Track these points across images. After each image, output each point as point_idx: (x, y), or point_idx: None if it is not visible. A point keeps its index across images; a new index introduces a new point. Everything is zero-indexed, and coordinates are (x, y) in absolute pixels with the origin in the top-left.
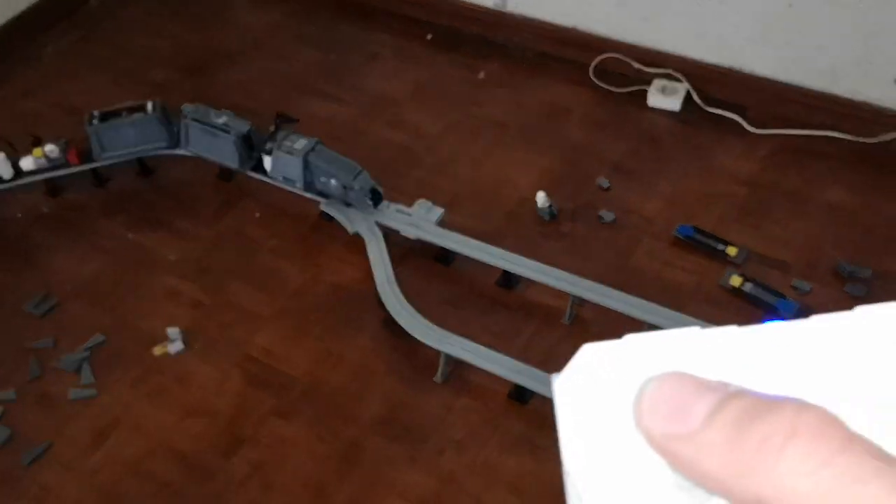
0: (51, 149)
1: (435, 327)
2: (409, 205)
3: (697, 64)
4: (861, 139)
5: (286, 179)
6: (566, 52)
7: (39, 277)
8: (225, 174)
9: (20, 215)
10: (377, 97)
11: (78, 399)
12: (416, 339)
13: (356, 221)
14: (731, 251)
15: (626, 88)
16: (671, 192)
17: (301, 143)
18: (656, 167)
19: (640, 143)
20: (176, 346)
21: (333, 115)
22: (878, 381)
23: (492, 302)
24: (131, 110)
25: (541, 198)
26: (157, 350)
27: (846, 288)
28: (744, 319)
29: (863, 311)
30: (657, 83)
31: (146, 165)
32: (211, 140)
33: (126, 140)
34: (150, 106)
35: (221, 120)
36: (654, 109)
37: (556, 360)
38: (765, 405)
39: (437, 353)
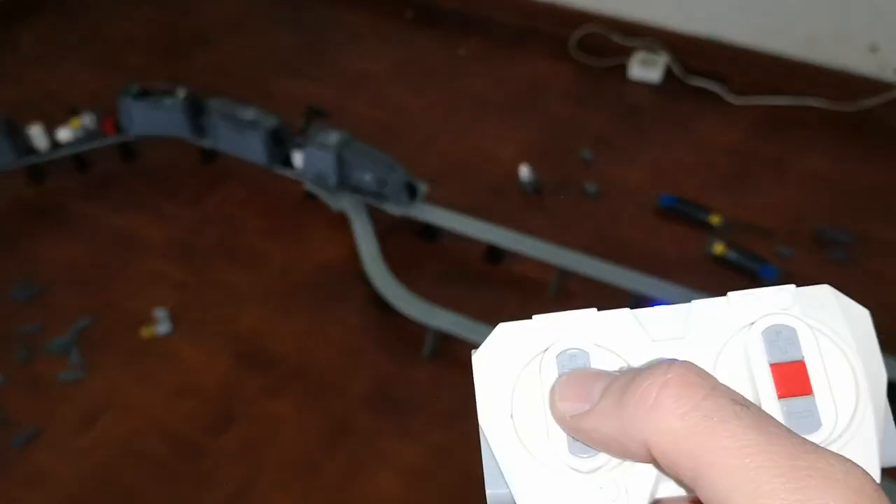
0: (88, 120)
1: (421, 302)
2: None
3: (677, 35)
4: (840, 106)
5: (318, 175)
6: (546, 26)
7: (24, 263)
8: (207, 156)
9: (2, 203)
10: (357, 76)
11: (67, 382)
12: (402, 314)
13: (340, 199)
14: (714, 219)
15: (607, 61)
16: (653, 163)
17: (334, 138)
18: (638, 139)
19: (621, 115)
20: (163, 327)
21: (313, 96)
22: (734, 349)
23: (477, 276)
24: (165, 93)
25: (524, 171)
26: (145, 331)
27: (827, 253)
28: (727, 286)
29: (732, 296)
30: (637, 55)
31: (129, 149)
32: (237, 136)
33: (154, 121)
34: (180, 93)
35: (249, 115)
36: (634, 81)
37: None
38: (643, 370)
39: (424, 327)
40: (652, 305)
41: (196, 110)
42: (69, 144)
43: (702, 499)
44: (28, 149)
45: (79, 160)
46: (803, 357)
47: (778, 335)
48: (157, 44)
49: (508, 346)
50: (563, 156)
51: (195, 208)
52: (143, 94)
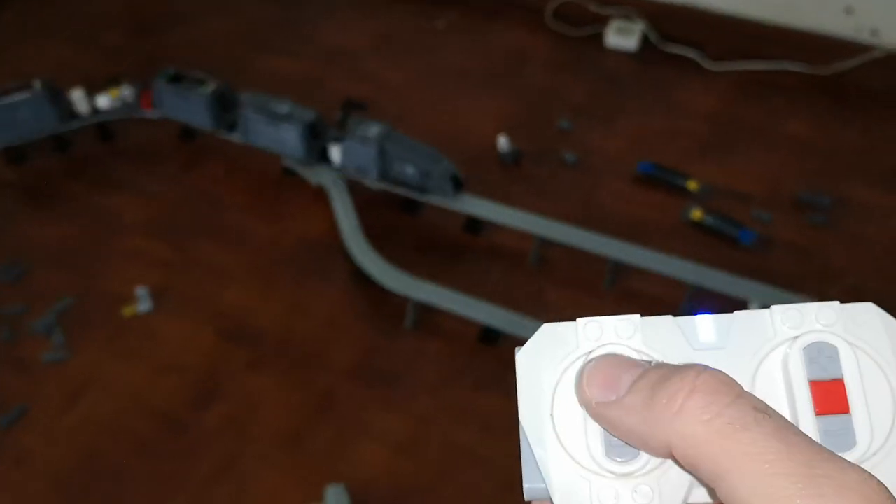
0: (127, 92)
1: (403, 274)
2: None
3: (653, 2)
4: (817, 69)
5: (358, 169)
6: None
7: (7, 245)
8: (187, 133)
9: None
10: (335, 50)
11: (51, 362)
12: (384, 287)
13: (319, 174)
14: (692, 185)
15: (584, 30)
16: (632, 131)
17: (375, 130)
18: (616, 107)
19: (599, 83)
20: (145, 306)
21: (291, 71)
22: (775, 363)
23: (458, 247)
24: (197, 81)
25: (502, 142)
26: (127, 310)
27: (806, 216)
28: (705, 251)
29: (775, 309)
30: (614, 24)
31: (107, 129)
32: (273, 130)
33: (181, 108)
34: (209, 86)
35: (284, 109)
36: (611, 50)
37: (524, 301)
38: (673, 370)
39: (406, 299)
40: (695, 314)
41: (225, 104)
42: (107, 112)
43: (722, 500)
44: (71, 113)
45: (104, 130)
46: (843, 376)
47: (819, 353)
48: (133, 21)
49: (551, 346)
50: (542, 125)
51: (175, 186)
52: (177, 78)
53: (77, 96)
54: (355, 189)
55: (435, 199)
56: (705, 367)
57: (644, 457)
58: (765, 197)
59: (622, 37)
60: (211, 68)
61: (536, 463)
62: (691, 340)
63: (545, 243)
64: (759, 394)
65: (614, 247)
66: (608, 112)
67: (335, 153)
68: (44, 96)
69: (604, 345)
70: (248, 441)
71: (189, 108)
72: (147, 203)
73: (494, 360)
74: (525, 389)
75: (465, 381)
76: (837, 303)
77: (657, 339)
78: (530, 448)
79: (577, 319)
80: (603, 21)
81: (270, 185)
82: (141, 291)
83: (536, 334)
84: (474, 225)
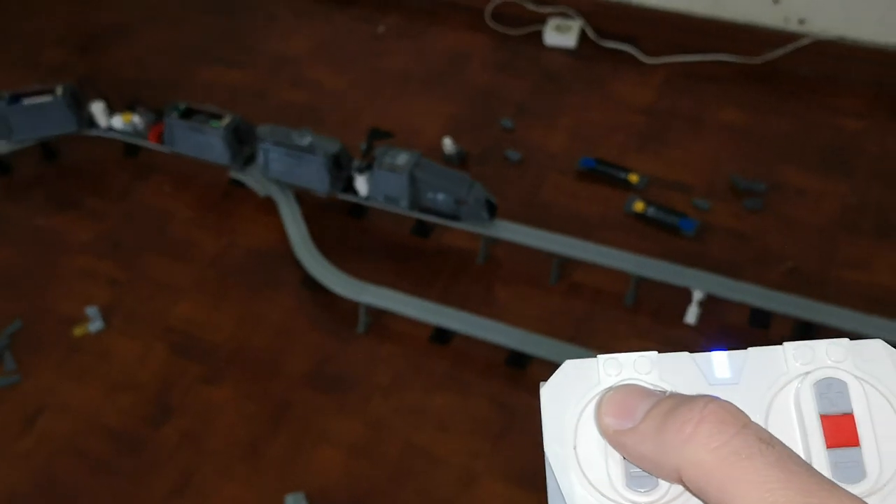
0: (137, 120)
1: (352, 279)
2: None
3: (589, 0)
4: (749, 59)
5: (388, 198)
6: None
7: None
8: (131, 150)
9: None
10: (277, 58)
11: (3, 386)
12: (335, 293)
13: (266, 184)
14: (633, 178)
15: (523, 30)
16: (573, 127)
17: (404, 158)
18: (557, 104)
19: (539, 81)
20: (96, 325)
21: (234, 81)
22: (787, 398)
23: (408, 250)
24: (211, 116)
25: (447, 143)
26: (77, 330)
27: (743, 202)
28: (649, 241)
29: (787, 346)
30: (552, 22)
31: (50, 149)
32: (295, 163)
33: (193, 143)
34: (226, 119)
35: (306, 141)
36: (550, 48)
37: (473, 300)
38: (684, 400)
39: (357, 304)
40: (710, 350)
41: (241, 137)
42: (119, 131)
43: None
44: (90, 122)
45: (47, 150)
46: (852, 410)
47: (829, 388)
48: (73, 38)
49: (573, 381)
50: (485, 125)
51: (122, 203)
52: (188, 113)
53: (97, 109)
54: (302, 197)
55: (468, 226)
56: (714, 398)
57: (664, 487)
58: (703, 185)
59: (560, 34)
60: (155, 80)
61: (561, 493)
62: (707, 375)
63: (492, 242)
64: (773, 427)
65: (559, 242)
66: (549, 109)
67: (361, 184)
68: (65, 102)
69: (624, 380)
70: (206, 455)
71: (203, 143)
72: (94, 221)
73: (447, 359)
74: (549, 423)
75: (419, 382)
76: (847, 340)
77: (674, 375)
78: (555, 479)
79: (598, 356)
80: (541, 20)
81: (217, 197)
82: (91, 311)
83: (560, 370)
84: (423, 227)
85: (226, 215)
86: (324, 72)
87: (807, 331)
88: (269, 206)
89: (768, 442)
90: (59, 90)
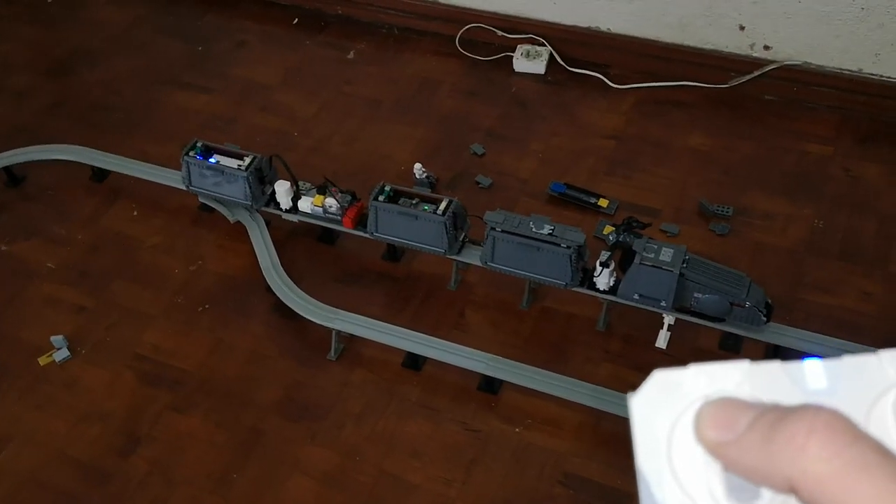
0: (330, 203)
1: (323, 306)
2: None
3: (557, 27)
4: (715, 85)
5: (644, 297)
6: (432, 25)
7: None
8: (98, 175)
9: None
10: (247, 84)
11: None
12: (306, 319)
13: (236, 210)
14: (603, 203)
15: (493, 56)
16: (543, 152)
17: (669, 254)
18: (527, 129)
19: (509, 107)
20: (61, 354)
21: (204, 106)
22: (885, 407)
23: (379, 275)
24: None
25: (418, 169)
26: (42, 360)
27: (710, 226)
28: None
29: (883, 354)
30: (521, 48)
31: (14, 175)
32: (530, 254)
33: (408, 229)
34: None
35: (546, 230)
36: (520, 74)
37: (445, 325)
38: (791, 411)
39: (329, 330)
40: (802, 359)
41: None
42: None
43: None
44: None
45: (11, 175)
46: None
47: None
48: (41, 64)
49: (664, 392)
50: (456, 150)
51: (88, 229)
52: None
53: (281, 189)
54: (272, 223)
55: (735, 328)
56: (821, 407)
57: (766, 498)
58: (671, 210)
59: (530, 61)
60: (123, 106)
61: None
62: (800, 386)
63: (463, 266)
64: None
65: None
66: (519, 134)
67: (603, 278)
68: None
69: (717, 390)
70: (176, 485)
71: (418, 228)
72: (60, 248)
73: (419, 385)
74: (641, 435)
75: (391, 408)
76: None
77: (768, 385)
78: (650, 491)
79: (689, 366)
80: (511, 46)
81: (186, 223)
82: (57, 340)
83: (649, 381)
84: (394, 252)
85: (195, 241)
86: (294, 97)
87: (776, 354)
88: (239, 231)
89: (883, 454)
90: (247, 161)
